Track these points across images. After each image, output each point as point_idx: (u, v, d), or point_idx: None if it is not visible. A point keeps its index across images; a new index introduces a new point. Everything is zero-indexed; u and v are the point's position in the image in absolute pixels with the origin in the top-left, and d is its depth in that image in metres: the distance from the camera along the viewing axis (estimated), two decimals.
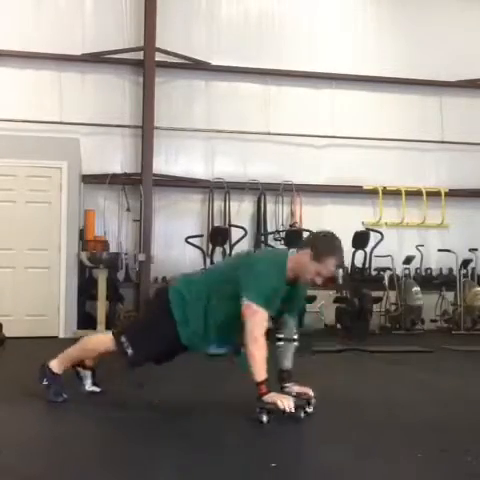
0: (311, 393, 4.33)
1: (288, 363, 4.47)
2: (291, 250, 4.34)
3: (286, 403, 3.96)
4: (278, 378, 4.41)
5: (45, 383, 4.53)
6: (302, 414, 4.05)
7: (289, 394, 4.22)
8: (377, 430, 4.02)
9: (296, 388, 4.36)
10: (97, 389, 4.76)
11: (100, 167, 10.46)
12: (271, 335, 4.38)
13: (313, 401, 4.31)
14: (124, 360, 4.40)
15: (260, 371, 4.03)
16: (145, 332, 4.43)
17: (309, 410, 4.26)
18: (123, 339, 4.39)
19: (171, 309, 4.32)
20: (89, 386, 4.77)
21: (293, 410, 3.97)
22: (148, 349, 4.39)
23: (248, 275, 4.14)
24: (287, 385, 4.37)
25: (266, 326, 4.14)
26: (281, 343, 4.47)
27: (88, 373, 4.80)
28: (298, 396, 4.27)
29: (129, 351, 4.36)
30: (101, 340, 4.66)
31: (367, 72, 11.38)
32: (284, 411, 3.95)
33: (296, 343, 4.50)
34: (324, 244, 4.19)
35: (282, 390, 4.32)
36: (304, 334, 4.56)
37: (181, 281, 4.56)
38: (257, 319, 4.09)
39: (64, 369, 4.62)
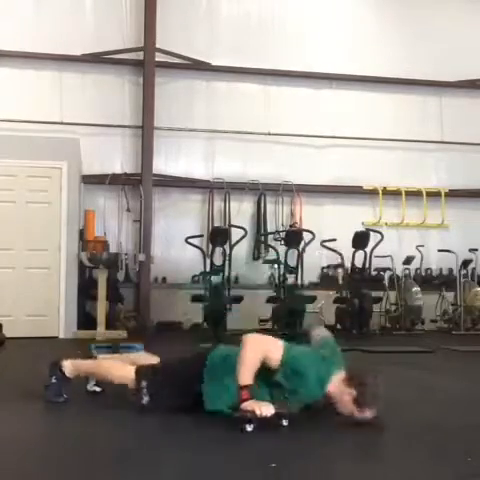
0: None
1: None
2: (334, 372, 4.13)
3: (264, 411, 3.82)
4: None
5: (53, 381, 4.51)
6: (285, 422, 3.93)
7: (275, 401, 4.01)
8: (377, 430, 4.01)
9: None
10: (98, 389, 4.75)
11: (100, 167, 10.47)
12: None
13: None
14: (136, 403, 4.31)
15: (246, 375, 3.93)
16: (168, 388, 4.28)
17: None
18: (143, 385, 4.28)
19: (202, 379, 4.19)
20: (91, 386, 4.77)
21: (272, 416, 3.82)
22: (165, 403, 4.27)
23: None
24: None
25: (266, 347, 4.03)
26: None
27: None
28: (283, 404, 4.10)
29: (145, 399, 4.25)
30: (123, 374, 4.42)
31: (367, 72, 11.39)
32: (263, 418, 3.79)
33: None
34: (369, 396, 3.96)
35: None
36: None
37: (220, 354, 4.34)
38: (266, 338, 4.07)
39: (75, 375, 4.57)
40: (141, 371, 4.39)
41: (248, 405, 3.85)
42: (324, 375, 4.06)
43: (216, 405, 4.13)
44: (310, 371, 4.01)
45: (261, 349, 4.00)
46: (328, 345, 4.57)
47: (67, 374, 4.52)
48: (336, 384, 4.05)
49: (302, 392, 4.05)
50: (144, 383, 4.29)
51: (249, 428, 3.78)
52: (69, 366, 4.54)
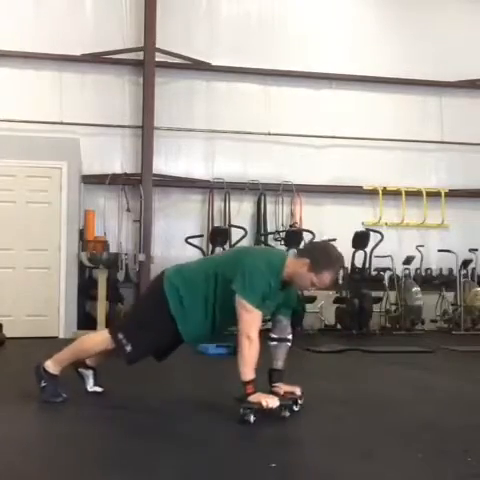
0: (299, 392, 4.34)
1: (280, 363, 4.47)
2: (289, 251, 4.34)
3: (270, 402, 3.97)
4: (268, 377, 4.41)
5: (43, 385, 4.50)
6: (287, 413, 4.07)
7: (277, 394, 4.22)
8: (377, 430, 4.02)
9: (284, 387, 4.35)
10: (99, 389, 4.75)
11: (100, 167, 10.46)
12: (265, 335, 4.37)
13: (301, 401, 4.31)
14: (123, 357, 4.37)
15: (249, 370, 4.02)
16: (143, 327, 4.37)
17: (296, 409, 4.27)
18: (120, 336, 4.34)
19: (167, 301, 4.28)
20: (91, 386, 4.76)
21: (276, 408, 3.98)
22: (147, 343, 4.36)
23: (244, 273, 4.10)
24: (276, 385, 4.37)
25: (260, 326, 4.13)
26: (274, 343, 4.47)
27: (90, 373, 4.78)
28: (285, 396, 4.26)
29: (128, 348, 4.32)
30: (98, 339, 4.58)
31: (367, 72, 11.38)
32: (269, 410, 3.95)
33: (289, 343, 4.50)
34: (323, 257, 4.15)
35: (271, 389, 4.32)
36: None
37: (174, 273, 4.45)
38: (251, 318, 4.08)
39: (61, 369, 4.57)
40: (114, 327, 4.57)
41: (255, 397, 3.97)
42: (276, 264, 4.18)
43: (193, 334, 4.34)
44: (264, 276, 4.10)
45: (253, 338, 4.06)
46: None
47: (52, 372, 4.52)
48: (290, 264, 4.19)
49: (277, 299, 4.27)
50: (120, 334, 4.37)
51: (252, 419, 3.91)
52: (51, 364, 4.55)
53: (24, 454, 3.44)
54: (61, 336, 9.12)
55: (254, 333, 4.07)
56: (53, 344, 8.39)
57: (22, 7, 10.35)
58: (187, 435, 3.83)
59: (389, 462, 3.38)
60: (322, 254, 4.18)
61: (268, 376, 4.43)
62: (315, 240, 4.46)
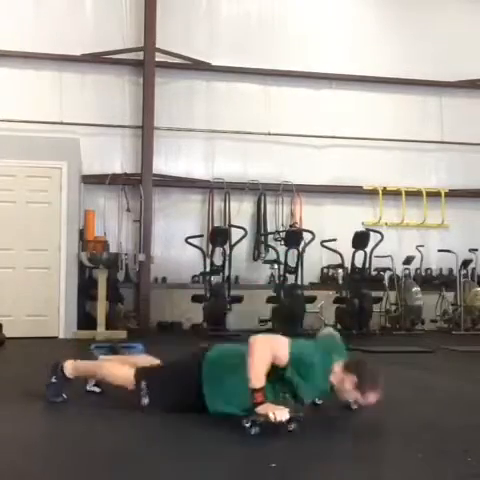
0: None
1: None
2: (336, 360, 4.16)
3: (278, 415, 3.77)
4: None
5: (53, 381, 4.51)
6: (293, 426, 3.82)
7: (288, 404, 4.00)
8: (376, 430, 4.02)
9: None
10: (97, 389, 4.75)
11: (100, 167, 10.47)
12: None
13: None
14: (137, 402, 4.31)
15: (258, 377, 3.87)
16: (167, 388, 4.29)
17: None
18: (143, 385, 4.28)
19: (201, 378, 4.18)
20: (90, 386, 4.77)
21: (285, 421, 3.78)
22: (165, 403, 4.28)
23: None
24: None
25: (274, 350, 3.97)
26: None
27: None
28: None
29: (145, 400, 4.26)
30: (121, 374, 4.45)
31: (367, 72, 11.39)
32: (277, 423, 3.76)
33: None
34: (370, 379, 4.03)
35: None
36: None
37: (218, 352, 4.35)
38: (274, 339, 4.06)
39: (75, 376, 4.57)
40: (140, 372, 4.39)
41: (263, 409, 3.79)
42: (327, 364, 4.07)
43: (218, 408, 4.12)
44: (315, 359, 4.02)
45: (269, 349, 3.96)
46: (330, 337, 4.60)
47: (67, 375, 4.52)
48: (337, 373, 4.06)
49: (310, 385, 4.04)
50: (143, 384, 4.29)
51: (254, 431, 3.73)
52: (69, 367, 4.55)
53: (25, 453, 3.44)
54: (61, 336, 9.12)
55: (266, 344, 3.97)
56: (53, 344, 8.43)
57: (22, 7, 10.35)
58: (187, 435, 3.82)
59: (389, 462, 3.38)
60: (368, 376, 4.04)
61: None
62: (359, 359, 4.24)
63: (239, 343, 4.38)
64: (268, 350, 3.96)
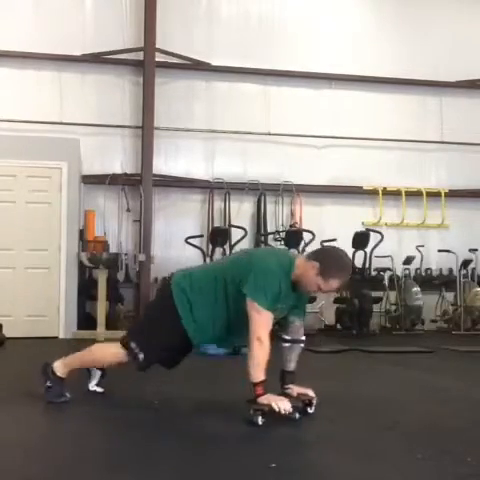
0: (312, 394, 4.31)
1: (292, 364, 4.43)
2: (292, 251, 4.32)
3: (281, 405, 3.92)
4: (280, 379, 4.39)
5: (49, 385, 4.50)
6: (297, 415, 4.00)
7: (289, 395, 4.21)
8: (377, 430, 4.02)
9: (297, 389, 4.33)
10: (99, 389, 4.76)
11: (100, 167, 10.46)
12: (276, 336, 4.33)
13: (315, 402, 4.30)
14: (135, 364, 4.36)
15: (258, 372, 3.98)
16: (153, 333, 4.36)
17: (310, 411, 4.26)
18: (133, 345, 4.33)
19: (175, 306, 4.27)
20: (92, 386, 4.77)
21: (289, 412, 3.93)
22: (158, 350, 4.34)
23: (255, 274, 4.08)
24: (288, 386, 4.35)
25: (270, 327, 4.11)
26: (287, 344, 4.41)
27: (98, 373, 4.78)
28: (298, 397, 4.26)
29: (141, 356, 4.30)
30: (110, 351, 4.51)
31: (367, 72, 11.38)
32: (279, 412, 3.91)
33: (302, 345, 4.47)
34: (333, 263, 4.10)
35: (283, 391, 4.30)
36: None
37: (181, 276, 4.43)
38: (262, 319, 4.05)
39: (68, 372, 4.57)
40: (124, 337, 4.48)
41: (265, 399, 3.93)
42: (286, 263, 4.16)
43: (198, 337, 4.31)
44: (276, 275, 4.09)
45: (263, 340, 4.03)
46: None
47: (59, 375, 4.51)
48: (299, 265, 4.17)
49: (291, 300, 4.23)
50: (133, 344, 4.36)
51: (260, 421, 3.87)
52: (60, 366, 4.54)
53: (25, 453, 3.44)
54: (61, 336, 9.12)
55: (264, 334, 4.03)
56: (53, 344, 8.44)
57: (22, 7, 10.35)
58: (187, 435, 3.83)
59: (389, 462, 3.38)
60: (332, 260, 4.14)
61: (280, 378, 4.38)
62: (326, 244, 4.38)
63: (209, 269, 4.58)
64: (263, 341, 4.02)
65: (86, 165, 10.13)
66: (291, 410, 3.94)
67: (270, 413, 3.89)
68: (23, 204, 9.23)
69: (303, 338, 4.46)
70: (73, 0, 10.59)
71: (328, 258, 4.15)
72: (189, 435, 3.83)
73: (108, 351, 4.58)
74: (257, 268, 4.11)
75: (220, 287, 4.23)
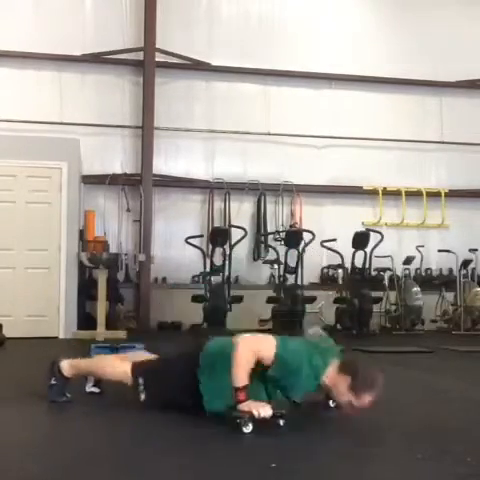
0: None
1: None
2: (328, 362, 4.10)
3: (262, 411, 3.78)
4: None
5: (53, 383, 4.51)
6: (281, 422, 3.84)
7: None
8: (376, 430, 4.02)
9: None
10: (96, 390, 4.75)
11: (100, 167, 10.47)
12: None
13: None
14: (133, 397, 4.32)
15: (241, 376, 3.88)
16: (165, 383, 4.29)
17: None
18: (140, 381, 4.28)
19: (198, 372, 4.17)
20: (89, 387, 4.77)
21: (269, 417, 3.79)
22: (162, 398, 4.26)
23: (284, 370, 3.96)
24: None
25: (263, 355, 3.96)
26: None
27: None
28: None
29: (142, 396, 4.26)
30: (119, 370, 4.44)
31: (367, 72, 11.39)
32: (261, 419, 3.77)
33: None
34: (366, 381, 3.93)
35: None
36: None
37: (215, 347, 4.32)
38: (263, 342, 4.02)
39: (73, 375, 4.57)
40: (137, 367, 4.38)
41: (246, 406, 3.81)
42: (318, 366, 4.01)
43: (215, 404, 4.09)
44: (302, 365, 3.97)
45: (254, 349, 3.96)
46: (324, 340, 4.57)
47: (65, 374, 4.52)
48: (331, 374, 4.01)
49: (296, 386, 4.03)
50: (141, 379, 4.29)
51: (247, 429, 3.74)
52: (67, 366, 4.54)
53: (25, 453, 3.44)
54: (61, 336, 9.11)
55: (253, 344, 3.99)
56: (53, 344, 8.43)
57: (22, 7, 10.36)
58: (187, 435, 3.82)
59: (389, 462, 3.38)
60: (364, 377, 3.93)
61: None
62: (356, 360, 4.14)
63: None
64: (253, 350, 3.96)
65: (86, 165, 10.13)
66: (269, 415, 3.79)
67: (252, 420, 3.75)
68: (23, 204, 9.23)
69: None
70: (73, 0, 10.61)
71: (361, 375, 4.00)
72: (189, 435, 3.82)
73: (117, 370, 4.50)
74: (286, 368, 3.96)
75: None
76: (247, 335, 4.13)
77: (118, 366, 4.53)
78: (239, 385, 3.87)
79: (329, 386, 4.03)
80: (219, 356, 4.16)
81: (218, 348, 4.26)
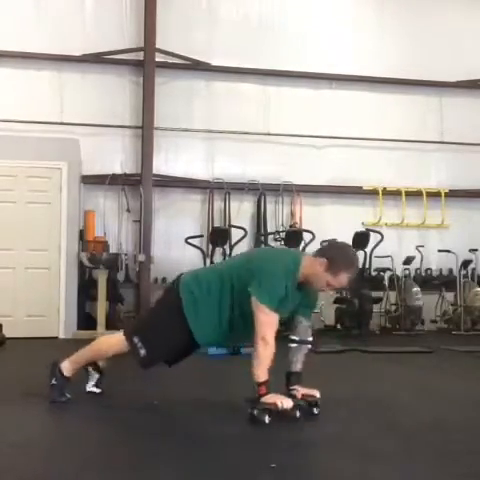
0: (317, 394, 4.32)
1: (298, 365, 4.42)
2: (303, 252, 4.31)
3: (285, 403, 3.98)
4: (286, 379, 4.38)
5: (54, 383, 4.53)
6: (298, 414, 4.05)
7: (294, 396, 4.21)
8: (377, 430, 4.02)
9: (302, 390, 4.33)
10: (97, 390, 4.76)
11: (100, 168, 10.46)
12: (282, 337, 4.31)
13: (319, 403, 4.30)
14: (137, 361, 4.36)
15: (263, 372, 4.02)
16: (158, 331, 4.37)
17: (315, 412, 4.27)
18: (135, 340, 4.33)
19: (182, 306, 4.27)
20: (90, 387, 4.77)
21: (290, 408, 4.00)
22: (162, 348, 4.35)
23: (261, 276, 4.09)
24: (294, 387, 4.34)
25: (276, 328, 4.10)
26: (294, 345, 4.41)
27: (96, 376, 4.79)
28: (304, 398, 4.26)
29: (142, 351, 4.31)
30: (113, 340, 4.56)
31: (367, 72, 11.38)
32: (283, 411, 3.96)
33: (310, 345, 4.47)
34: (340, 257, 4.10)
35: (289, 392, 4.30)
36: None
37: (189, 277, 4.45)
38: (267, 320, 4.06)
39: (75, 372, 4.59)
40: (129, 330, 4.52)
41: (269, 398, 3.97)
42: (292, 266, 4.15)
43: (207, 338, 4.34)
44: (279, 268, 4.11)
45: (269, 340, 4.05)
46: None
47: (66, 374, 4.54)
48: (307, 262, 4.17)
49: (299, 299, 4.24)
50: (136, 338, 4.37)
51: (267, 420, 3.92)
52: (67, 366, 4.56)
53: (25, 453, 3.44)
54: (61, 336, 9.12)
55: (270, 335, 4.05)
56: (53, 344, 8.44)
57: (22, 7, 10.34)
58: (187, 435, 3.83)
59: (389, 462, 3.38)
60: (339, 254, 4.14)
61: (286, 379, 4.38)
62: (332, 240, 4.37)
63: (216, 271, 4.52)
64: (268, 342, 4.05)
65: (86, 165, 10.11)
66: (290, 406, 4.00)
67: (274, 412, 3.93)
68: (23, 204, 9.24)
69: (311, 339, 4.45)
70: (73, 0, 10.59)
71: (336, 254, 4.14)
72: (189, 435, 3.83)
73: (111, 340, 4.61)
74: (262, 270, 4.12)
75: (227, 288, 4.24)
76: (268, 330, 4.09)
77: (111, 339, 4.69)
78: (261, 380, 4.01)
79: (306, 276, 4.15)
80: (195, 289, 4.30)
81: (193, 280, 4.39)
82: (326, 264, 4.06)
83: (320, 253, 4.19)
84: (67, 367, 4.56)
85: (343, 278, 4.10)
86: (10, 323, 8.61)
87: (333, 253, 4.15)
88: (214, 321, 4.25)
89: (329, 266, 4.06)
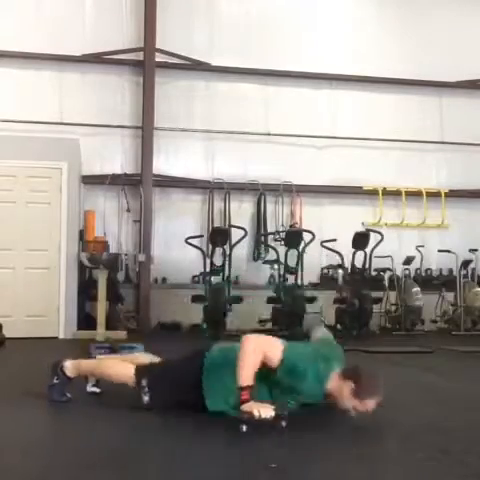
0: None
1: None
2: (333, 368, 4.11)
3: (263, 412, 3.79)
4: None
5: (55, 382, 4.52)
6: (284, 423, 3.85)
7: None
8: (377, 430, 4.02)
9: None
10: (97, 390, 4.76)
11: (100, 168, 10.47)
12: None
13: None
14: (139, 401, 4.31)
15: (246, 375, 3.89)
16: (168, 386, 4.30)
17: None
18: (143, 383, 4.28)
19: (201, 375, 4.19)
20: (90, 387, 4.77)
21: (269, 418, 3.80)
22: (166, 401, 4.26)
23: (290, 375, 3.99)
24: None
25: (272, 355, 4.00)
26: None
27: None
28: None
29: (145, 398, 4.25)
30: (123, 373, 4.46)
31: (367, 72, 11.39)
32: (262, 420, 3.77)
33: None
34: (368, 385, 3.99)
35: None
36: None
37: (218, 351, 4.35)
38: (272, 344, 4.04)
39: (76, 375, 4.58)
40: (141, 369, 4.40)
41: (248, 406, 3.82)
42: (323, 372, 4.04)
43: (218, 405, 4.12)
44: (309, 369, 4.00)
45: (261, 349, 3.99)
46: (327, 343, 4.59)
47: (68, 374, 4.54)
48: (335, 380, 4.05)
49: (301, 390, 4.05)
50: (144, 382, 4.30)
51: (244, 429, 3.75)
52: (70, 366, 4.56)
53: (25, 453, 3.44)
54: (61, 336, 9.11)
55: (261, 342, 4.01)
56: (53, 344, 8.43)
57: (22, 7, 10.35)
58: (186, 435, 3.83)
59: (389, 462, 3.38)
60: (366, 382, 4.00)
61: None
62: (357, 366, 4.14)
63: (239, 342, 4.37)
64: (260, 350, 3.98)
65: (86, 165, 10.12)
66: (270, 416, 3.78)
67: (252, 421, 3.74)
68: (23, 204, 9.23)
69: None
70: (73, 0, 10.60)
71: (363, 380, 4.01)
72: (188, 435, 3.83)
73: (121, 372, 4.49)
74: (293, 371, 3.99)
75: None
76: (253, 335, 4.12)
77: (121, 368, 4.54)
78: (243, 384, 3.88)
79: (333, 393, 4.06)
80: (224, 361, 4.17)
81: (222, 354, 4.28)
82: (354, 390, 3.96)
83: (347, 376, 4.05)
84: (70, 368, 4.56)
85: (371, 404, 4.01)
86: (10, 323, 8.60)
87: (360, 380, 4.03)
88: (229, 392, 4.05)
89: (357, 392, 3.95)
